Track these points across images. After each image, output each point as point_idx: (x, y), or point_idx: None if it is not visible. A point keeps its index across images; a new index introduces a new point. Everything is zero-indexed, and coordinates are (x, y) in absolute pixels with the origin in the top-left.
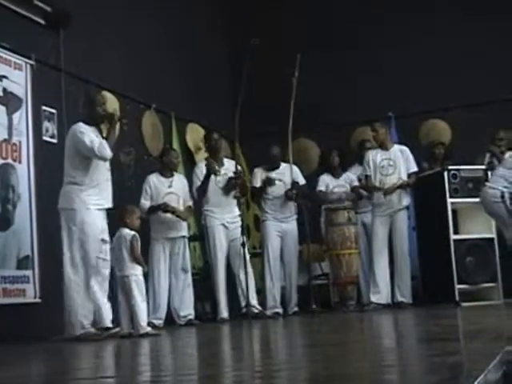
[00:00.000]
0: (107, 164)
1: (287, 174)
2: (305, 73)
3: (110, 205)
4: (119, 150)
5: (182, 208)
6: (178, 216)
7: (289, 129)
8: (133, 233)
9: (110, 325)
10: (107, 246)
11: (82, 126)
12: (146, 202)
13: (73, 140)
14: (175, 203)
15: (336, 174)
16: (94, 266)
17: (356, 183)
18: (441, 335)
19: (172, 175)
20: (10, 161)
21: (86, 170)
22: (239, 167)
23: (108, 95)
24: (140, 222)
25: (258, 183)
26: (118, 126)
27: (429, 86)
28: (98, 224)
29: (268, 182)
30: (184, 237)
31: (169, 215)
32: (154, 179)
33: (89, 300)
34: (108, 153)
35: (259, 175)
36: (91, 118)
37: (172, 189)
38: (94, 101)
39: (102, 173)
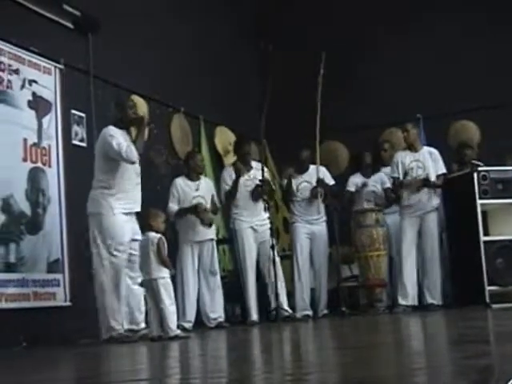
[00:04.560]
0: (137, 169)
1: (315, 175)
2: (332, 74)
3: (138, 209)
4: (150, 148)
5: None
6: (201, 220)
7: (316, 128)
8: (159, 235)
9: (143, 325)
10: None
11: (111, 129)
12: (173, 206)
13: (102, 143)
14: None
15: (367, 174)
16: (121, 268)
17: (388, 184)
18: (471, 337)
19: (199, 179)
20: (39, 165)
21: (113, 174)
22: (266, 173)
23: (137, 99)
24: (165, 225)
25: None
26: (146, 130)
27: (457, 87)
28: (125, 228)
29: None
30: (212, 240)
31: (194, 218)
32: (181, 183)
33: (119, 302)
34: (135, 156)
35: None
36: (122, 121)
37: (199, 192)
38: (124, 104)
39: (131, 177)
